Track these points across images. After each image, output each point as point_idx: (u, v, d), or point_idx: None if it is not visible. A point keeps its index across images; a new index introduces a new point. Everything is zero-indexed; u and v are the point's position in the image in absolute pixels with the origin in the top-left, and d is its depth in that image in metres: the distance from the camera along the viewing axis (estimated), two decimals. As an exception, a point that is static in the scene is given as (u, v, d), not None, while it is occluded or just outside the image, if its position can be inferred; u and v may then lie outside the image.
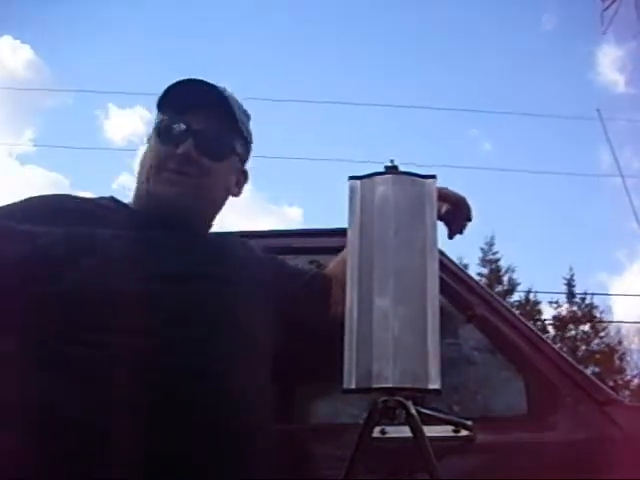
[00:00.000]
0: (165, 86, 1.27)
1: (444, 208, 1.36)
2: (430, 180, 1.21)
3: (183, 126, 1.24)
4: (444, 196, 1.35)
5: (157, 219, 1.20)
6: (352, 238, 1.19)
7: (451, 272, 1.60)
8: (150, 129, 1.31)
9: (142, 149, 1.31)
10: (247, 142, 1.35)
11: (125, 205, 1.29)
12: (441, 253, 1.32)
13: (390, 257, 1.14)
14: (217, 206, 1.32)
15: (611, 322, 16.79)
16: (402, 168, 1.21)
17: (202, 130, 1.24)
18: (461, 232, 1.42)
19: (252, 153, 1.39)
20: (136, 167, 1.30)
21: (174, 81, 1.25)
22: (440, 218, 1.33)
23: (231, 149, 1.31)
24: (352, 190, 1.22)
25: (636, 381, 16.20)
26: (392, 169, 1.20)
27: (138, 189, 1.27)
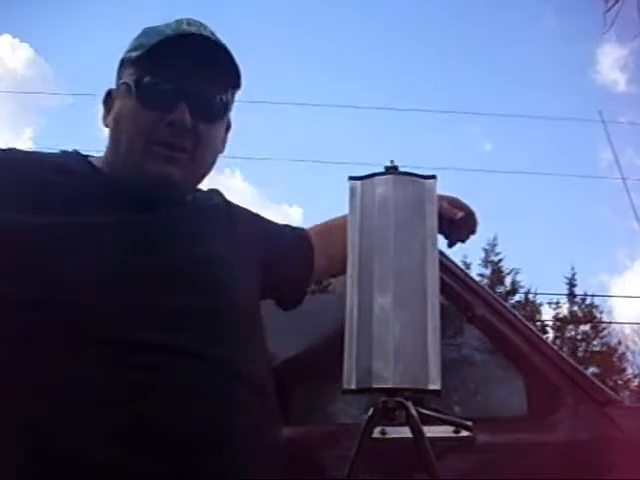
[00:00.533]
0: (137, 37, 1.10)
1: (459, 215, 1.36)
2: (430, 180, 1.21)
3: (172, 87, 1.05)
4: (460, 205, 1.37)
5: (151, 196, 1.08)
6: (352, 238, 1.19)
7: (451, 272, 1.60)
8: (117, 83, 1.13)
9: (114, 103, 1.12)
10: (238, 88, 1.15)
11: (99, 171, 1.12)
12: (441, 253, 1.32)
13: (390, 257, 1.14)
14: (207, 173, 1.17)
15: (611, 323, 16.80)
16: (401, 168, 1.21)
17: (196, 90, 1.07)
18: (463, 241, 1.43)
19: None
20: (104, 123, 1.13)
21: (155, 35, 1.07)
22: (450, 223, 1.34)
23: (226, 106, 1.13)
24: (352, 190, 1.22)
25: (636, 381, 16.21)
26: (392, 169, 1.20)
27: (118, 155, 1.09)
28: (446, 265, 1.54)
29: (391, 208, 1.17)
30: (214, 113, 1.11)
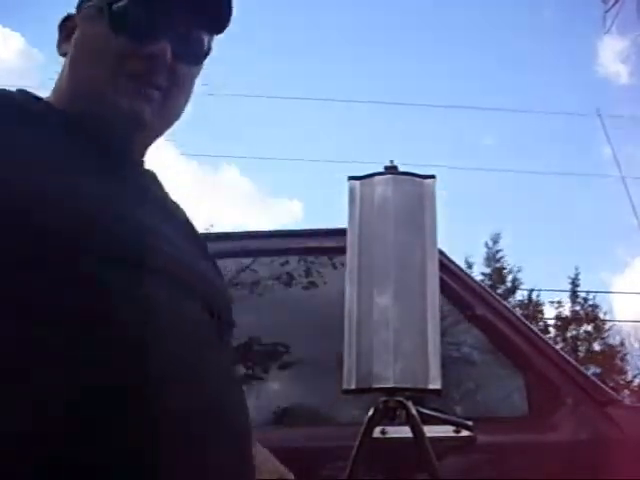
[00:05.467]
0: None
1: None
2: (429, 180, 1.21)
3: (153, 18, 0.91)
4: None
5: (118, 140, 0.89)
6: (352, 238, 1.19)
7: (451, 272, 1.60)
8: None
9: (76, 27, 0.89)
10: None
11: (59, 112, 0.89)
12: (441, 253, 1.33)
13: (390, 257, 1.15)
14: (173, 122, 0.99)
15: (612, 321, 16.79)
16: (401, 164, 1.22)
17: (181, 29, 0.93)
18: None
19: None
20: (59, 50, 0.91)
21: None
22: None
23: (207, 53, 1.00)
24: (352, 190, 1.22)
25: (637, 381, 16.21)
26: (391, 169, 1.21)
27: (78, 86, 0.91)
28: (446, 265, 1.54)
29: (391, 208, 1.18)
30: (196, 57, 0.97)
